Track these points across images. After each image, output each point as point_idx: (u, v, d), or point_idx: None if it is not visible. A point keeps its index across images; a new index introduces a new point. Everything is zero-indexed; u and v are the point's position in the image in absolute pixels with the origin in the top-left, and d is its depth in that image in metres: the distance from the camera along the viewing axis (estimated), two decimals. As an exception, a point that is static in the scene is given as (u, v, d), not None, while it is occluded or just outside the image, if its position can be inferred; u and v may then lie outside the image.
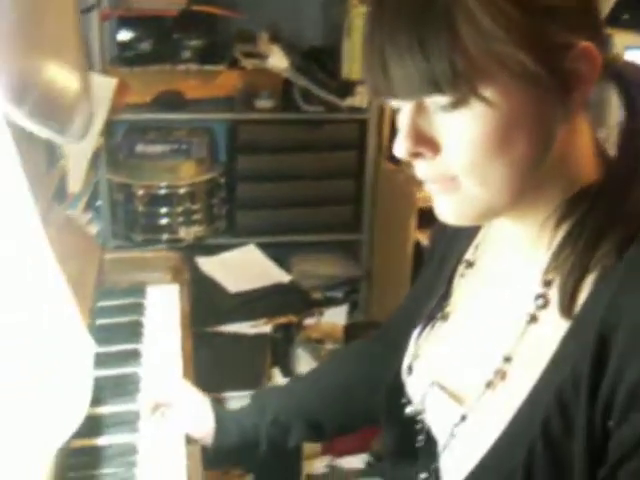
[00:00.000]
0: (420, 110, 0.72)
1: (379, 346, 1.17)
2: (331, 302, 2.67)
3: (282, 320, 2.33)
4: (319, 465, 2.21)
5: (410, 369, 0.94)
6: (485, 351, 0.82)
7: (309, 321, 2.52)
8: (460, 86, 0.67)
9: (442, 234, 1.01)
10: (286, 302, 2.37)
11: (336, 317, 2.58)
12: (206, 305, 1.93)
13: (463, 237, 0.95)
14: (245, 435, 1.12)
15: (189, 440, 1.10)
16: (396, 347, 1.00)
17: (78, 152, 2.13)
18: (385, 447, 1.11)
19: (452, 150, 0.72)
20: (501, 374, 0.79)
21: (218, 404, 1.14)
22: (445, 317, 0.92)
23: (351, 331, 2.47)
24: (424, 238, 2.37)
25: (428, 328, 0.94)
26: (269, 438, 1.12)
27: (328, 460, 2.24)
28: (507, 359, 0.79)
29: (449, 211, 0.77)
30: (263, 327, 2.26)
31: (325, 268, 2.75)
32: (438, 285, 0.96)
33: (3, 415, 0.80)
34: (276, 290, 2.37)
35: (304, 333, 2.39)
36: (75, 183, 2.14)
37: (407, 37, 0.67)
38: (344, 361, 1.24)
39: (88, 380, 0.98)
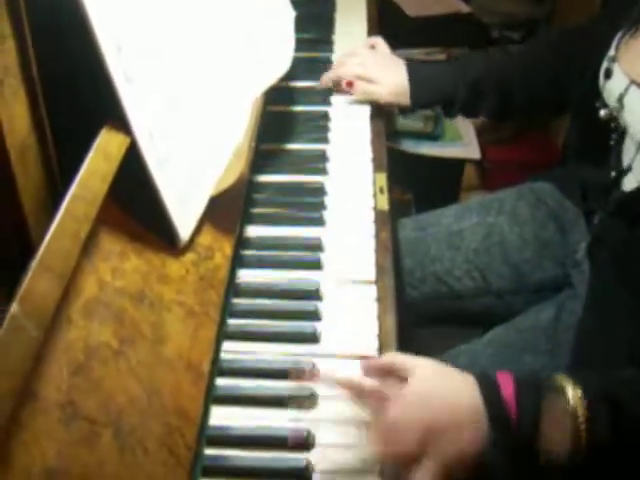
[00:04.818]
0: None
1: (579, 42, 1.16)
2: (507, 42, 2.58)
3: (456, 52, 2.31)
4: (475, 197, 2.30)
5: (608, 72, 0.94)
6: None
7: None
8: None
9: None
10: (463, 34, 2.32)
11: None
12: (383, 27, 1.92)
13: None
14: (442, 94, 1.20)
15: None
16: (593, 48, 1.00)
17: None
18: (572, 148, 1.15)
19: None
20: None
21: (412, 63, 1.21)
22: None
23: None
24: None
25: (631, 32, 0.93)
26: (464, 99, 1.18)
27: (483, 195, 2.32)
28: None
29: None
30: (437, 56, 2.26)
31: (506, 5, 2.63)
32: None
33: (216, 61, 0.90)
34: (454, 20, 2.32)
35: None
36: None
37: None
38: (541, 45, 1.25)
39: (290, 40, 1.06)
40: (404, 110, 1.27)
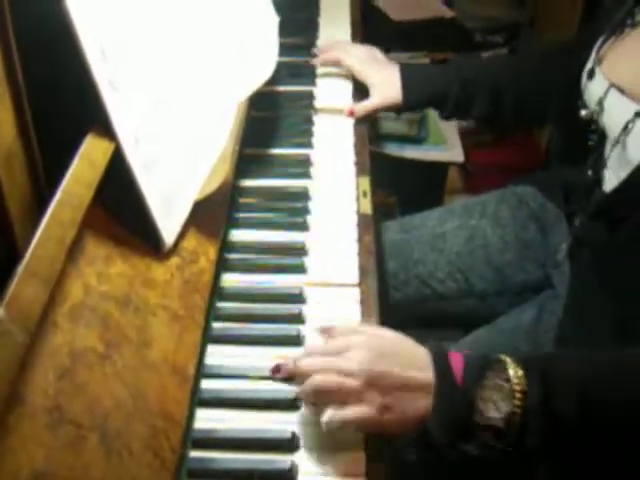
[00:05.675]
0: None
1: (565, 53, 1.18)
2: (490, 46, 2.61)
3: (440, 56, 2.32)
4: (459, 200, 2.32)
5: (591, 73, 0.96)
6: None
7: (465, 62, 2.50)
8: None
9: None
10: (446, 38, 2.34)
11: (493, 61, 2.55)
12: (367, 31, 1.94)
13: None
14: (435, 93, 1.21)
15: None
16: (579, 55, 1.02)
17: None
18: (555, 149, 1.17)
19: None
20: None
21: (404, 65, 1.23)
22: (635, 25, 0.92)
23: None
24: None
25: (615, 36, 0.94)
26: (456, 99, 1.20)
27: (466, 198, 2.33)
28: None
29: None
30: (422, 59, 2.27)
31: (488, 9, 2.66)
32: None
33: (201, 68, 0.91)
34: (438, 24, 2.34)
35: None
36: None
37: None
38: (533, 56, 1.28)
39: (274, 44, 1.07)
40: (399, 111, 1.28)
